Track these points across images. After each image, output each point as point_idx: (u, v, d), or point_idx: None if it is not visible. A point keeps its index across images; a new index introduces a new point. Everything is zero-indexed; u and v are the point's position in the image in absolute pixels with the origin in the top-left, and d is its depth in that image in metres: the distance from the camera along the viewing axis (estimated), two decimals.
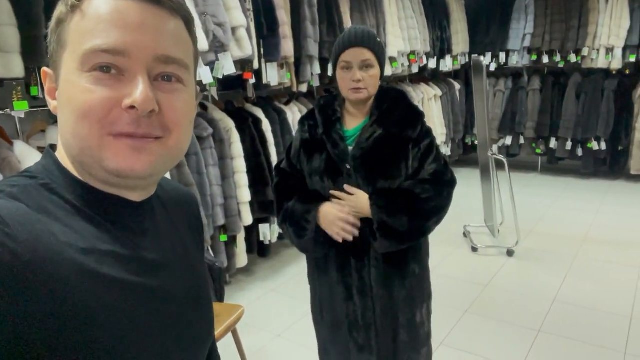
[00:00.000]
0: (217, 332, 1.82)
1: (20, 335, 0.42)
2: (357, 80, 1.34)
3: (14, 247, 0.43)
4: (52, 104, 0.57)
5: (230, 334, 2.08)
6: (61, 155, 0.57)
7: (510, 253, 3.55)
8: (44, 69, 0.57)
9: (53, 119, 2.42)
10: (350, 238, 1.38)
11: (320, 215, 1.39)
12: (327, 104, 1.47)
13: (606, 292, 2.95)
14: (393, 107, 1.40)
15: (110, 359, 0.48)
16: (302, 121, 1.52)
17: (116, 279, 0.51)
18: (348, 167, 1.38)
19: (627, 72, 5.22)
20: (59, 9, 0.54)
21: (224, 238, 2.93)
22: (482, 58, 3.62)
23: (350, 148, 1.41)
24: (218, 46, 2.59)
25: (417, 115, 1.42)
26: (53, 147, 0.59)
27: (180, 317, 0.60)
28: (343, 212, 1.37)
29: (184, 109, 0.56)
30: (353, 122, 1.45)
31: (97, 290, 0.49)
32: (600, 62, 5.12)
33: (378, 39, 1.38)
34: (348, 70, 1.36)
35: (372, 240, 1.37)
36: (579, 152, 5.47)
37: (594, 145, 5.33)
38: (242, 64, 2.93)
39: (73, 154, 0.54)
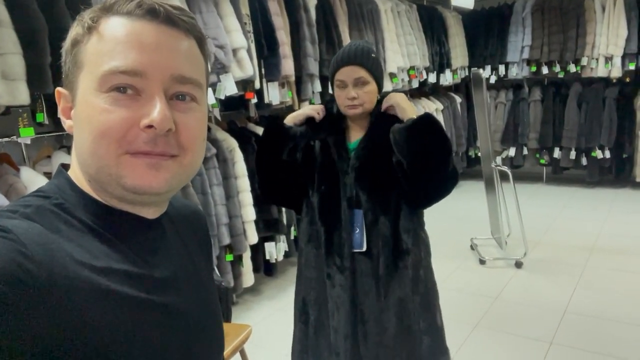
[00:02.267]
0: (225, 353, 1.80)
1: (35, 353, 0.42)
2: (352, 98, 1.36)
3: (31, 267, 0.44)
4: (67, 123, 0.58)
5: (238, 354, 2.06)
6: (74, 174, 0.57)
7: (518, 265, 3.51)
8: (58, 89, 0.58)
9: (59, 144, 2.45)
10: (319, 114, 1.41)
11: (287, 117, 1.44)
12: (337, 114, 1.47)
13: (617, 301, 2.91)
14: (390, 118, 1.40)
15: None
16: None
17: (130, 297, 0.52)
18: (323, 187, 1.41)
19: (628, 80, 5.23)
20: (75, 30, 0.55)
21: (229, 258, 2.92)
22: (481, 71, 3.65)
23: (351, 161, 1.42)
24: (219, 67, 2.63)
25: None
26: (65, 167, 0.59)
27: (192, 334, 0.60)
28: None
29: (198, 127, 0.57)
30: (355, 135, 1.46)
31: (111, 308, 0.49)
32: (600, 71, 5.14)
33: (373, 55, 1.39)
34: (343, 89, 1.38)
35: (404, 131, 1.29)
36: (584, 161, 5.46)
37: (598, 153, 5.32)
38: (244, 84, 2.97)
39: (90, 172, 0.55)
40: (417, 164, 1.28)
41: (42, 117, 2.03)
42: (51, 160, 2.27)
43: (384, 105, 1.40)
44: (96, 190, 0.56)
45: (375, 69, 1.39)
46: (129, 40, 0.52)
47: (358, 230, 1.38)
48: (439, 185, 1.33)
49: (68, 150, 2.37)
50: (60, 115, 0.59)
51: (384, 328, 1.39)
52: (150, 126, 0.51)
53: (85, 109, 0.53)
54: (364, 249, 1.38)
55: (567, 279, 3.26)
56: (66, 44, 0.56)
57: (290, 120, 1.46)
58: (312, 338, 1.48)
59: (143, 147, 0.52)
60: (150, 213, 0.59)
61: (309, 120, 1.47)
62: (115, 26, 0.52)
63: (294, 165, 1.46)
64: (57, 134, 2.38)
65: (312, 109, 1.47)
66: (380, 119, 1.41)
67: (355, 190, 1.38)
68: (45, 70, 1.97)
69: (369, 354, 1.39)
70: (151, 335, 0.53)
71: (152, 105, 0.52)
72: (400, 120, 1.37)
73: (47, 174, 2.22)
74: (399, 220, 1.40)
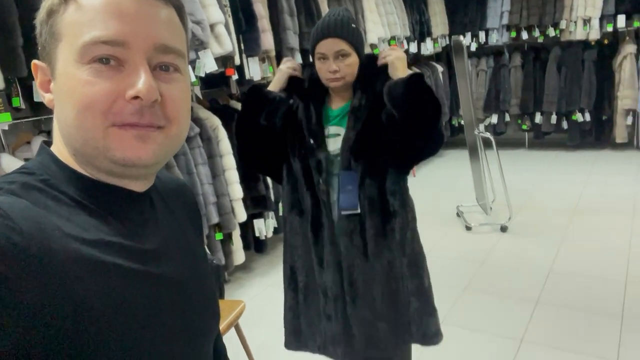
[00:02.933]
0: (220, 328, 1.82)
1: (28, 327, 0.42)
2: (333, 71, 1.36)
3: (19, 240, 0.43)
4: (46, 97, 0.56)
5: (233, 330, 2.09)
6: (58, 149, 0.56)
7: (503, 229, 3.59)
8: (35, 61, 0.57)
9: (38, 130, 2.40)
10: (293, 73, 1.43)
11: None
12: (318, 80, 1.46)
13: (600, 259, 3.01)
14: (372, 79, 1.39)
15: (119, 347, 0.49)
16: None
17: (122, 268, 0.52)
18: (312, 141, 1.41)
19: (606, 41, 5.27)
20: (50, 0, 0.53)
21: (219, 236, 2.93)
22: (462, 38, 3.64)
23: (332, 128, 1.43)
24: (197, 44, 2.58)
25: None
26: (48, 144, 0.58)
27: (186, 305, 0.60)
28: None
29: (183, 98, 0.57)
30: (337, 103, 1.46)
31: (103, 279, 0.49)
32: (579, 34, 5.16)
33: (353, 25, 1.38)
34: (324, 61, 1.37)
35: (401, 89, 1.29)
36: (564, 125, 5.53)
37: (578, 117, 5.40)
38: (224, 60, 2.92)
39: (75, 145, 0.54)
40: (411, 117, 1.28)
41: (19, 102, 1.98)
42: (31, 146, 2.23)
43: (381, 60, 1.39)
44: (82, 165, 0.55)
45: (356, 40, 1.38)
46: (108, 9, 0.50)
47: (354, 191, 1.38)
48: (429, 139, 1.34)
49: (47, 134, 2.32)
50: (39, 89, 0.57)
51: (372, 290, 1.41)
52: (136, 97, 0.51)
53: (67, 81, 0.52)
54: (358, 210, 1.39)
55: (551, 241, 3.34)
56: (40, 15, 0.54)
57: (272, 87, 1.45)
58: (303, 304, 1.51)
59: (130, 119, 0.51)
60: (138, 186, 0.59)
61: (291, 85, 1.46)
62: None
63: (273, 131, 1.45)
64: (35, 118, 2.32)
65: (288, 68, 1.46)
66: (364, 83, 1.41)
67: (349, 153, 1.39)
68: (18, 53, 1.91)
69: (356, 315, 1.41)
70: (145, 305, 0.53)
71: (136, 76, 0.51)
72: (383, 83, 1.37)
73: (28, 160, 2.18)
74: (385, 183, 1.41)
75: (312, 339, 1.50)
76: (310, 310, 1.49)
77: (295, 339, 1.54)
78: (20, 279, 0.42)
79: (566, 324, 2.38)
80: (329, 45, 1.35)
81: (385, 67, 1.38)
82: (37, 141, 2.23)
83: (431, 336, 1.47)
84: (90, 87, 0.50)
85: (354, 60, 1.37)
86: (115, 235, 0.54)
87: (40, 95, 0.57)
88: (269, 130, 1.44)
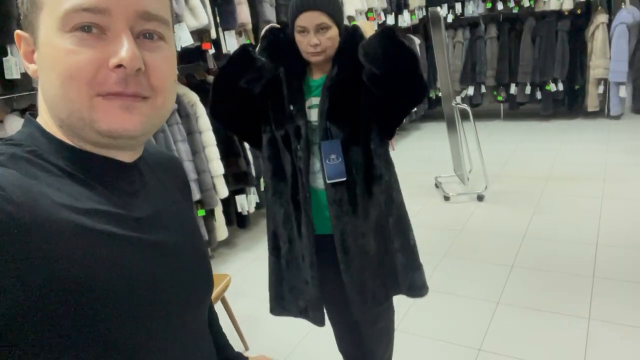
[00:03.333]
0: None
1: (22, 295, 0.42)
2: (314, 44, 1.35)
3: (11, 210, 0.43)
4: (30, 68, 0.56)
5: (220, 303, 2.12)
6: (44, 120, 0.56)
7: (480, 198, 3.68)
8: (18, 32, 0.56)
9: (10, 108, 2.33)
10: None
11: None
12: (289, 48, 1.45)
13: (572, 223, 3.13)
14: (351, 51, 1.40)
15: (116, 312, 0.49)
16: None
17: (115, 235, 0.52)
18: (292, 107, 1.42)
19: (579, 11, 5.34)
20: None
21: (201, 213, 2.93)
22: (439, 9, 3.64)
23: (314, 99, 1.44)
24: None
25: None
26: (33, 115, 0.58)
27: (181, 271, 0.61)
28: None
29: (168, 67, 0.56)
30: (318, 73, 1.46)
31: (97, 246, 0.49)
32: (553, 4, 5.21)
33: None
34: (305, 34, 1.36)
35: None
36: (538, 95, 5.64)
37: (551, 87, 5.50)
38: (200, 34, 2.87)
39: (61, 116, 0.53)
40: (392, 67, 1.30)
41: None
42: (4, 125, 2.17)
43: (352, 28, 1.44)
44: (68, 136, 0.54)
45: (336, 13, 1.38)
46: None
47: (339, 159, 1.40)
48: (414, 85, 1.36)
49: (20, 113, 2.26)
50: (22, 60, 0.56)
51: (365, 252, 1.45)
52: (119, 66, 0.50)
53: (50, 51, 0.51)
54: (345, 177, 1.41)
55: (525, 208, 3.45)
56: None
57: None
58: (285, 269, 1.54)
59: (114, 88, 0.51)
60: (126, 157, 0.59)
61: (273, 49, 1.45)
62: None
63: (250, 94, 1.45)
64: (7, 96, 2.26)
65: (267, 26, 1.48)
66: (343, 54, 1.42)
67: (326, 122, 1.40)
68: None
69: (353, 280, 1.45)
70: (141, 270, 0.53)
71: (119, 43, 0.50)
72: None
73: (1, 139, 2.13)
74: (370, 147, 1.43)
75: (295, 304, 1.54)
76: (291, 274, 1.53)
77: (278, 304, 1.57)
78: (13, 249, 0.42)
79: (540, 285, 2.49)
80: (309, 19, 1.34)
81: (356, 35, 1.41)
82: (10, 119, 2.17)
83: (417, 289, 1.52)
84: (74, 56, 0.49)
85: (333, 33, 1.37)
86: (106, 204, 0.53)
87: (24, 66, 0.56)
88: (245, 93, 1.44)
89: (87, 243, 0.48)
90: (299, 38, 1.38)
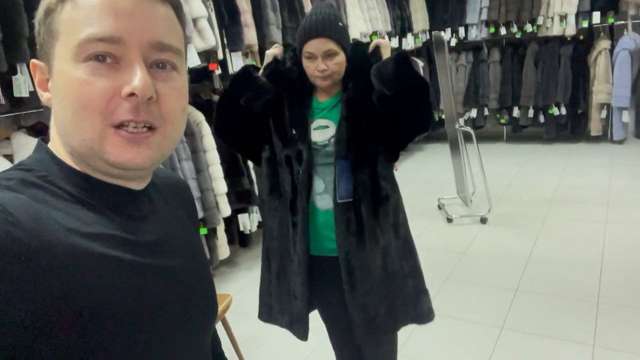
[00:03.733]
0: None
1: (30, 321, 0.43)
2: (322, 70, 1.38)
3: (20, 235, 0.44)
4: (44, 96, 0.56)
5: (220, 324, 2.11)
6: (55, 146, 0.56)
7: (483, 220, 3.67)
8: (33, 61, 0.57)
9: (17, 125, 2.36)
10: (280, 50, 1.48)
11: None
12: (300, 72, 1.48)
13: (576, 248, 3.10)
14: (362, 69, 1.43)
15: (122, 338, 0.49)
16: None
17: (122, 260, 0.52)
18: (294, 132, 1.45)
19: (582, 37, 5.40)
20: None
21: (203, 231, 2.93)
22: (442, 34, 3.69)
23: (320, 120, 1.45)
24: None
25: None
26: (45, 140, 0.58)
27: (187, 296, 0.61)
28: None
29: (179, 97, 0.57)
30: (324, 96, 1.48)
31: (103, 272, 0.49)
32: (555, 30, 5.28)
33: (340, 24, 1.40)
34: (312, 60, 1.39)
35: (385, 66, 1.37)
36: (541, 118, 5.66)
37: (554, 110, 5.52)
38: (207, 55, 2.91)
39: (73, 144, 0.53)
40: (403, 91, 1.33)
41: None
42: (11, 141, 2.19)
43: (372, 45, 1.45)
44: (79, 164, 0.55)
45: (344, 39, 1.40)
46: (104, 6, 0.51)
47: (345, 180, 1.41)
48: (422, 110, 1.39)
49: (27, 130, 2.29)
50: (37, 88, 0.57)
51: (370, 276, 1.44)
52: (132, 94, 0.51)
53: (64, 80, 0.51)
54: (352, 198, 1.42)
55: (529, 231, 3.43)
56: (39, 14, 0.54)
57: (262, 72, 1.48)
58: (275, 284, 1.56)
59: (126, 116, 0.51)
60: (135, 185, 0.59)
61: (278, 75, 1.48)
62: None
63: (252, 115, 1.47)
64: (14, 114, 2.29)
65: (274, 49, 1.50)
66: (355, 75, 1.44)
67: (339, 143, 1.41)
68: None
69: (357, 302, 1.44)
70: (147, 296, 0.53)
71: (132, 72, 0.51)
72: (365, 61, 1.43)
73: (8, 156, 2.14)
74: (377, 168, 1.44)
75: (282, 315, 1.56)
76: (281, 290, 1.55)
77: (266, 312, 1.60)
78: (21, 274, 0.42)
79: (544, 311, 2.46)
80: (317, 45, 1.37)
81: (373, 55, 1.42)
82: (17, 137, 2.20)
83: (425, 315, 1.53)
84: (88, 86, 0.50)
85: (341, 59, 1.40)
86: (115, 228, 0.54)
87: (39, 94, 0.57)
88: (247, 112, 1.47)
89: (95, 268, 0.49)
90: (306, 63, 1.41)
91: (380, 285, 1.46)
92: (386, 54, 1.41)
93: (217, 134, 1.56)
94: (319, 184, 1.46)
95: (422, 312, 1.52)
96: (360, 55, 1.45)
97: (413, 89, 1.34)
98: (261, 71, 1.48)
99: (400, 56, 1.35)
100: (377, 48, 1.44)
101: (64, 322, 0.44)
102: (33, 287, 0.43)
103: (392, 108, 1.36)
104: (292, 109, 1.46)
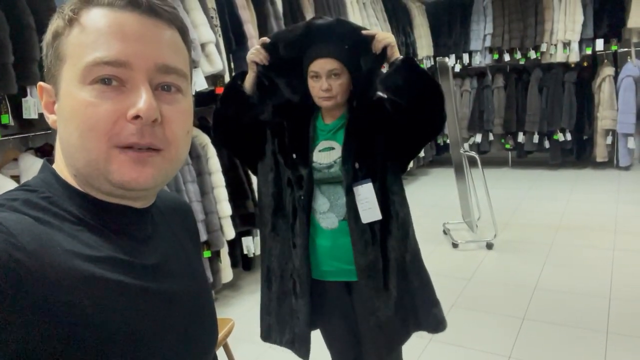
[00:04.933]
0: None
1: (30, 345, 0.42)
2: (325, 89, 1.39)
3: (22, 258, 0.44)
4: (50, 118, 0.57)
5: (222, 349, 2.07)
6: (59, 168, 0.57)
7: (489, 246, 3.63)
8: (41, 83, 0.57)
9: (25, 147, 2.38)
10: (256, 59, 1.42)
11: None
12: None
13: (584, 275, 3.05)
14: (365, 87, 1.44)
15: None
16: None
17: (123, 284, 0.52)
18: (294, 156, 1.45)
19: (585, 64, 5.45)
20: (55, 23, 0.54)
21: (207, 254, 2.91)
22: (446, 59, 3.73)
23: (325, 142, 1.46)
24: None
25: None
26: (50, 161, 0.59)
27: (188, 320, 0.60)
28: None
29: (184, 119, 0.57)
30: (330, 117, 1.50)
31: (104, 296, 0.49)
32: (559, 57, 5.33)
33: (346, 47, 1.42)
34: (317, 80, 1.40)
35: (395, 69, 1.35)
36: (546, 144, 5.66)
37: (559, 136, 5.53)
38: (214, 79, 2.95)
39: (77, 166, 0.54)
40: (418, 97, 1.34)
41: (8, 119, 1.97)
42: (18, 162, 2.21)
43: (380, 44, 1.38)
44: (82, 185, 0.55)
45: (349, 61, 1.42)
46: (111, 31, 0.51)
47: (371, 201, 1.41)
48: (437, 117, 1.40)
49: (35, 152, 2.31)
50: (43, 110, 0.58)
51: (384, 290, 1.45)
52: (137, 117, 0.51)
53: (70, 102, 0.52)
54: (380, 216, 1.42)
55: (536, 257, 3.39)
56: (47, 37, 0.55)
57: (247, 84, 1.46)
58: (275, 304, 1.54)
59: (131, 139, 0.52)
60: (139, 205, 0.59)
61: (281, 102, 1.49)
62: (97, 17, 0.52)
63: (245, 124, 1.48)
64: (22, 135, 2.31)
65: (253, 55, 1.45)
66: (358, 97, 1.45)
67: (347, 165, 1.42)
68: (9, 70, 1.91)
69: (370, 318, 1.44)
70: (147, 321, 0.53)
71: (137, 95, 0.52)
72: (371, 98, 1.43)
73: (15, 177, 2.16)
74: (386, 183, 1.45)
75: (282, 333, 1.55)
76: (282, 310, 1.54)
77: (266, 331, 1.59)
78: (22, 296, 0.42)
79: (552, 340, 2.40)
80: (321, 65, 1.39)
81: (381, 56, 1.41)
82: (25, 158, 2.21)
83: (437, 324, 1.53)
84: (94, 108, 0.51)
85: (345, 80, 1.41)
86: (117, 251, 0.54)
87: (45, 116, 0.58)
88: (249, 126, 1.49)
89: (96, 292, 0.48)
90: (311, 83, 1.42)
91: (391, 299, 1.46)
92: (395, 54, 1.38)
93: (218, 140, 1.57)
94: (322, 203, 1.47)
95: (433, 322, 1.53)
96: (362, 79, 1.45)
97: (427, 95, 1.36)
98: (246, 86, 1.47)
99: (407, 64, 1.34)
100: (385, 48, 1.38)
101: (62, 345, 0.44)
102: (32, 309, 0.43)
103: (408, 115, 1.37)
104: (292, 133, 1.48)
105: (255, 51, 1.44)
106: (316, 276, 1.49)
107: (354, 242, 1.43)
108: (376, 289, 1.44)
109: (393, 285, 1.46)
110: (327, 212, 1.46)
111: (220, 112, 1.49)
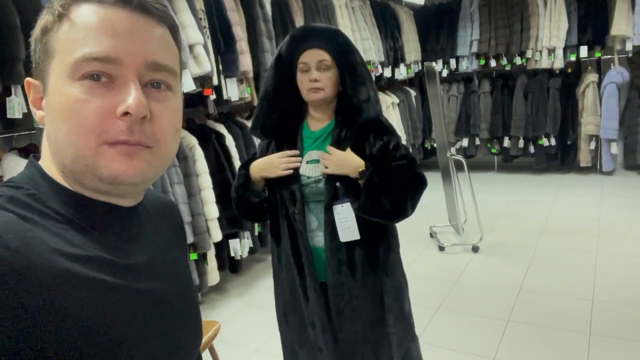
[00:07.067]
0: None
1: (10, 342, 0.42)
2: (314, 79, 1.38)
3: (6, 255, 0.43)
4: (38, 114, 0.56)
5: (207, 352, 2.06)
6: (46, 164, 0.56)
7: (475, 249, 3.66)
8: (28, 79, 0.57)
9: (9, 147, 2.35)
10: (292, 166, 1.41)
11: (252, 167, 1.47)
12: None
13: (567, 278, 3.10)
14: (353, 113, 1.43)
15: None
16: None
17: (108, 283, 0.51)
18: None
19: (570, 70, 5.53)
20: (45, 18, 0.53)
21: (193, 256, 2.89)
22: (434, 64, 3.77)
23: (313, 153, 1.45)
24: None
25: (385, 129, 1.45)
26: (36, 157, 0.58)
27: (171, 320, 0.60)
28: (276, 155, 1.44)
29: (173, 117, 0.57)
30: (316, 125, 1.48)
31: (88, 295, 0.49)
32: (544, 63, 5.40)
33: (337, 43, 1.41)
34: (306, 72, 1.40)
35: (351, 199, 1.37)
36: (531, 149, 5.73)
37: (544, 141, 5.60)
38: (202, 80, 2.94)
39: (65, 162, 0.53)
40: (397, 201, 1.39)
41: None
42: (2, 162, 2.18)
43: (322, 169, 1.42)
44: (69, 182, 0.55)
45: (340, 56, 1.41)
46: (101, 27, 0.51)
47: (349, 220, 1.40)
48: (420, 194, 1.47)
49: (19, 152, 2.27)
50: (31, 106, 0.57)
51: (359, 315, 1.43)
52: (126, 113, 0.51)
53: (59, 98, 0.51)
54: (358, 236, 1.41)
55: (521, 260, 3.43)
56: (35, 33, 0.54)
57: (259, 172, 1.48)
58: (297, 340, 1.52)
59: (120, 136, 0.51)
60: (126, 203, 0.59)
61: (265, 129, 1.50)
62: (87, 13, 0.51)
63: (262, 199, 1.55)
64: (6, 135, 2.28)
65: (282, 164, 1.44)
66: (345, 114, 1.44)
67: (330, 186, 1.41)
68: None
69: (345, 343, 1.43)
70: (130, 320, 0.53)
71: (127, 92, 0.51)
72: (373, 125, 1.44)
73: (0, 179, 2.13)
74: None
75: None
76: (305, 343, 1.52)
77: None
78: (5, 294, 0.42)
79: (536, 341, 2.43)
80: (311, 55, 1.39)
81: (366, 99, 1.42)
82: (9, 158, 2.18)
83: None
84: (82, 104, 0.50)
85: (334, 74, 1.41)
86: (102, 250, 0.53)
87: (32, 112, 0.57)
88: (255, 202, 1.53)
89: (79, 291, 0.48)
90: (300, 77, 1.41)
91: (369, 325, 1.45)
92: (348, 173, 1.39)
93: (243, 217, 1.63)
94: (312, 221, 1.45)
95: (407, 358, 1.50)
96: (347, 95, 1.45)
97: (406, 195, 1.40)
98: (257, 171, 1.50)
99: (366, 206, 1.37)
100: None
101: (44, 344, 0.44)
102: (15, 308, 0.42)
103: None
104: (279, 147, 1.47)
105: (287, 160, 1.44)
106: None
107: (327, 258, 1.42)
108: (351, 311, 1.43)
109: (365, 315, 1.44)
110: (315, 230, 1.45)
111: (241, 214, 1.57)
